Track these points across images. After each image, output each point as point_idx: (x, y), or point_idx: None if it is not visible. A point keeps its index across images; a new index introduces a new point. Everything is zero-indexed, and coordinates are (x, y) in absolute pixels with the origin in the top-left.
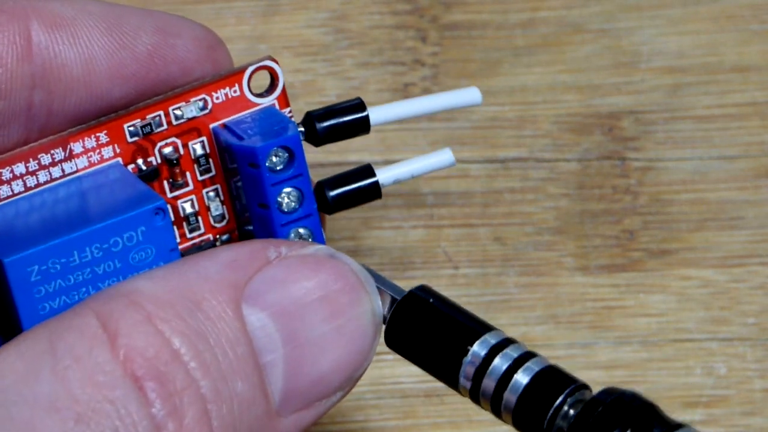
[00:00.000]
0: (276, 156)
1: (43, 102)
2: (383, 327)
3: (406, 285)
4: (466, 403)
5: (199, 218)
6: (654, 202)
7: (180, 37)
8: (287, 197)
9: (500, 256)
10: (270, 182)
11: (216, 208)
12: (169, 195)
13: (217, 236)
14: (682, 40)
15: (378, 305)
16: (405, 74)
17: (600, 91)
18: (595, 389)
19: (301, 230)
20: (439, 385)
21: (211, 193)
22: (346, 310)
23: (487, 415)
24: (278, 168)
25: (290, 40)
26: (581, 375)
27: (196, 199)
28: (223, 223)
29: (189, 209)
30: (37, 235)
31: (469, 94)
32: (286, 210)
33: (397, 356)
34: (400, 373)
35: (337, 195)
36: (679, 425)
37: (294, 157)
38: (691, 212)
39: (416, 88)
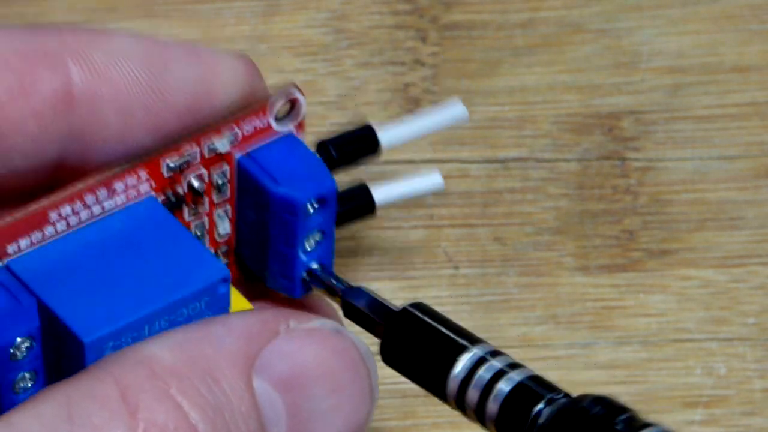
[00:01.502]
0: (311, 205)
1: (76, 152)
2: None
3: (406, 285)
4: None
5: (206, 235)
6: (654, 202)
7: (222, 85)
8: (312, 239)
9: (500, 256)
10: (303, 229)
11: (223, 227)
12: (187, 219)
13: (218, 249)
14: (682, 40)
15: (375, 380)
16: (405, 74)
17: (600, 91)
18: (595, 389)
19: (314, 265)
20: None
21: (222, 213)
22: (346, 385)
23: None
24: (310, 213)
25: (290, 40)
26: (581, 375)
27: (208, 220)
28: (225, 238)
29: (200, 230)
30: (109, 307)
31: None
32: (308, 249)
33: None
34: None
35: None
36: (647, 424)
37: (327, 205)
38: (691, 212)
39: (416, 88)
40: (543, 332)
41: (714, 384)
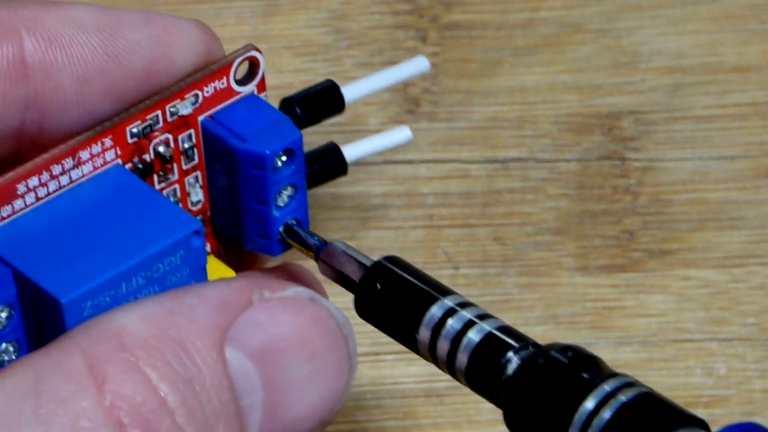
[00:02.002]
0: (279, 157)
1: (35, 121)
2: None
3: None
4: (466, 403)
5: (179, 204)
6: (654, 202)
7: (177, 47)
8: (284, 194)
9: (500, 256)
10: (273, 183)
11: (195, 194)
12: (157, 186)
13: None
14: (682, 40)
15: (354, 348)
16: None
17: (600, 91)
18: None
19: (289, 221)
20: (439, 385)
21: (192, 180)
22: (323, 354)
23: (487, 415)
24: (278, 167)
25: (290, 40)
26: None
27: (179, 188)
28: (199, 206)
29: (171, 198)
30: (84, 267)
31: (418, 63)
32: (281, 205)
33: (397, 356)
34: (400, 373)
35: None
36: (614, 374)
37: (296, 156)
38: (691, 212)
39: (416, 88)
40: (543, 332)
41: (714, 384)
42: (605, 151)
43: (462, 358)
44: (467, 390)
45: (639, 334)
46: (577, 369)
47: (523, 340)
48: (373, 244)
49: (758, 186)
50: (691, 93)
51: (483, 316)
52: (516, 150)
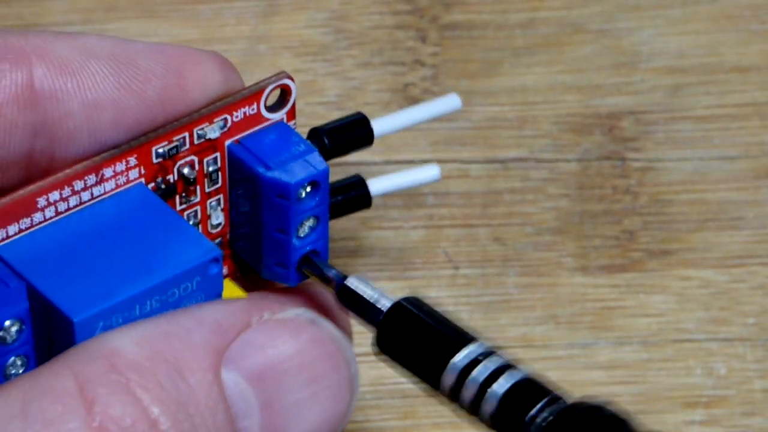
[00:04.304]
0: (303, 188)
1: (45, 148)
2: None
3: (406, 285)
4: None
5: (200, 226)
6: (654, 202)
7: (192, 77)
8: (306, 224)
9: (500, 256)
10: (295, 213)
11: (216, 217)
12: (178, 208)
13: (212, 241)
14: (682, 40)
15: (355, 371)
16: (405, 74)
17: (600, 91)
18: (595, 390)
19: (308, 252)
20: None
21: (214, 203)
22: (323, 377)
23: None
24: (302, 197)
25: (290, 40)
26: (581, 375)
27: (200, 209)
28: (219, 229)
29: (192, 220)
30: (98, 287)
31: (450, 101)
32: (301, 235)
33: None
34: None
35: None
36: None
37: (320, 188)
38: (691, 212)
39: (416, 88)
40: (543, 332)
41: (714, 384)
42: (605, 151)
43: (487, 409)
44: None
45: (639, 334)
46: (609, 428)
47: (550, 393)
48: (373, 244)
49: (758, 186)
50: (691, 93)
51: (508, 366)
52: (516, 150)
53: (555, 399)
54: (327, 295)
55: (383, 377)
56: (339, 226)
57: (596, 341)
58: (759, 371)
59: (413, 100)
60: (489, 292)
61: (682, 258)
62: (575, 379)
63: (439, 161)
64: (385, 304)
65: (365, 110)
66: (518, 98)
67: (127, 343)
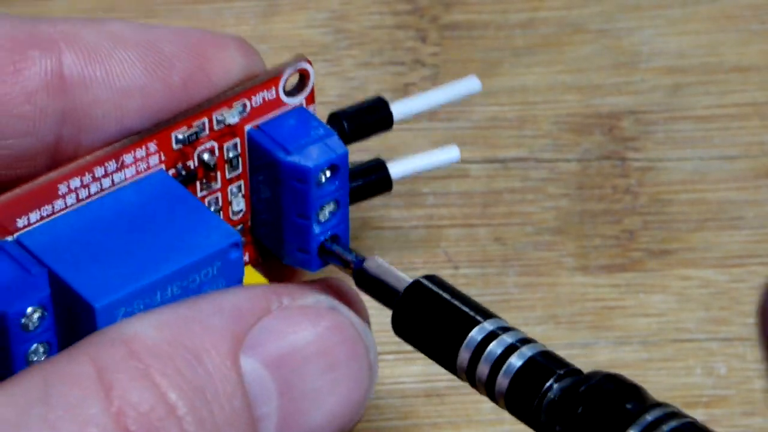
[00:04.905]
0: (323, 173)
1: (72, 136)
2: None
3: None
4: (466, 403)
5: (221, 213)
6: (654, 202)
7: (216, 61)
8: (326, 209)
9: (500, 256)
10: (316, 198)
11: (237, 203)
12: (199, 194)
13: (234, 228)
14: (682, 40)
15: (375, 358)
16: (405, 74)
17: (600, 91)
18: None
19: (329, 237)
20: (439, 385)
21: (235, 189)
22: (343, 363)
23: (487, 415)
24: (322, 182)
25: (290, 40)
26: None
27: (221, 196)
28: (240, 215)
29: (213, 206)
30: (120, 273)
31: (470, 83)
32: (322, 220)
33: (398, 356)
34: (400, 373)
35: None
36: (658, 404)
37: (340, 172)
38: (691, 212)
39: (416, 88)
40: (543, 332)
41: (714, 384)
42: (605, 151)
43: (503, 382)
44: (467, 389)
45: (639, 334)
46: (620, 398)
47: (565, 366)
48: (373, 244)
49: (758, 186)
50: (691, 93)
51: (525, 341)
52: (516, 150)
53: (568, 373)
54: (346, 285)
55: (383, 377)
56: None
57: (596, 341)
58: (759, 371)
59: None
60: (489, 292)
61: (682, 258)
62: None
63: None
64: (404, 285)
65: None
66: (518, 98)
67: (146, 328)
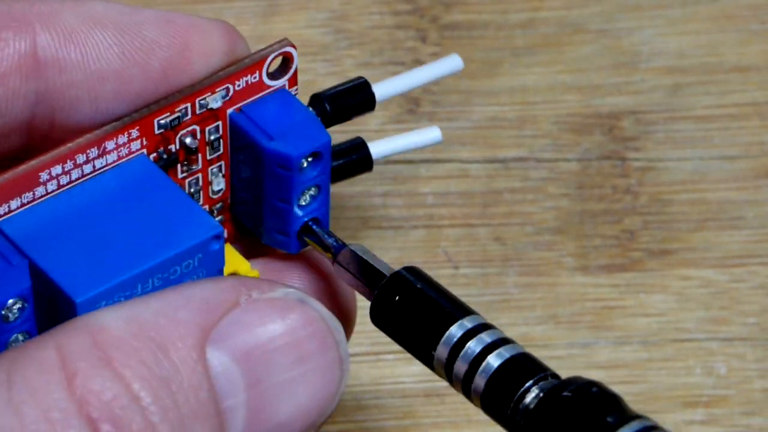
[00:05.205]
0: (305, 159)
1: (46, 116)
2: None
3: None
4: (465, 403)
5: (201, 192)
6: (654, 202)
7: (197, 49)
8: (307, 194)
9: (500, 256)
10: (298, 183)
11: (218, 183)
12: (180, 176)
13: (213, 206)
14: (682, 40)
15: (345, 352)
16: None
17: (600, 91)
18: None
19: (309, 220)
20: (439, 384)
21: (215, 170)
22: (312, 357)
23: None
24: (304, 167)
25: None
26: (581, 375)
27: (202, 177)
28: (220, 194)
29: (193, 187)
30: (100, 265)
31: (451, 62)
32: (303, 204)
33: (397, 356)
34: (400, 373)
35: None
36: (637, 416)
37: (322, 159)
38: (691, 212)
39: (416, 88)
40: (543, 332)
41: (714, 384)
42: (605, 151)
43: (479, 382)
44: None
45: (639, 333)
46: (599, 408)
47: (543, 370)
48: (373, 244)
49: (758, 186)
50: (691, 93)
51: (504, 341)
52: (516, 150)
53: (545, 377)
54: (328, 263)
55: (383, 377)
56: (339, 225)
57: (596, 341)
58: (759, 371)
59: (413, 100)
60: (489, 292)
61: (682, 258)
62: None
63: (439, 161)
64: (383, 274)
65: None
66: (518, 98)
67: (114, 320)
